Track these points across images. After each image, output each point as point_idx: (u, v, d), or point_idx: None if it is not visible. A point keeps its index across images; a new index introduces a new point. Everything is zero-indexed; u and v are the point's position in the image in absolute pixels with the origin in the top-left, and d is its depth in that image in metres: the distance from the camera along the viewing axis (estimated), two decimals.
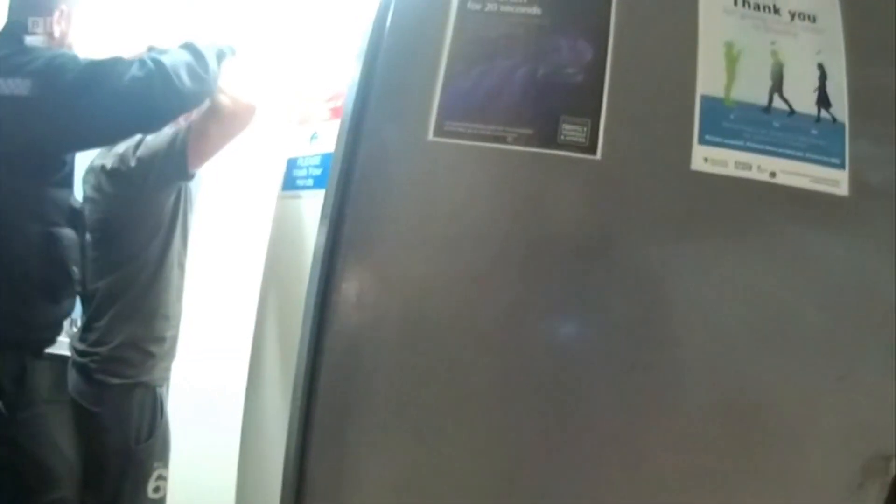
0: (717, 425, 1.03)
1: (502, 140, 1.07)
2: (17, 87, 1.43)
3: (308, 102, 1.64)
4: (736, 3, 1.13)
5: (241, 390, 1.64)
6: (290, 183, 1.74)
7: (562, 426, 1.05)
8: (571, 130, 1.06)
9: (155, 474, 1.59)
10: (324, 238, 1.06)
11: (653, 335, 1.05)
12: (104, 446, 1.57)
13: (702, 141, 1.07)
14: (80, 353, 1.61)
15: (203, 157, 1.65)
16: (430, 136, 1.07)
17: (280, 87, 1.94)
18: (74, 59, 1.51)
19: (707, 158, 1.06)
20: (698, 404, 1.05)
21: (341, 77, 1.19)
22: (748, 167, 1.07)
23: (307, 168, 1.69)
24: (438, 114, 1.07)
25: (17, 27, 1.54)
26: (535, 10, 1.12)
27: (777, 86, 1.12)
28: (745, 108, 1.10)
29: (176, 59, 1.50)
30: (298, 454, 1.07)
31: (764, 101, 1.11)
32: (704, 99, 1.09)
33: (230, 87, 1.66)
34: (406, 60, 1.13)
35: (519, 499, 1.05)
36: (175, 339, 1.69)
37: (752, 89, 1.11)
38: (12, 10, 1.58)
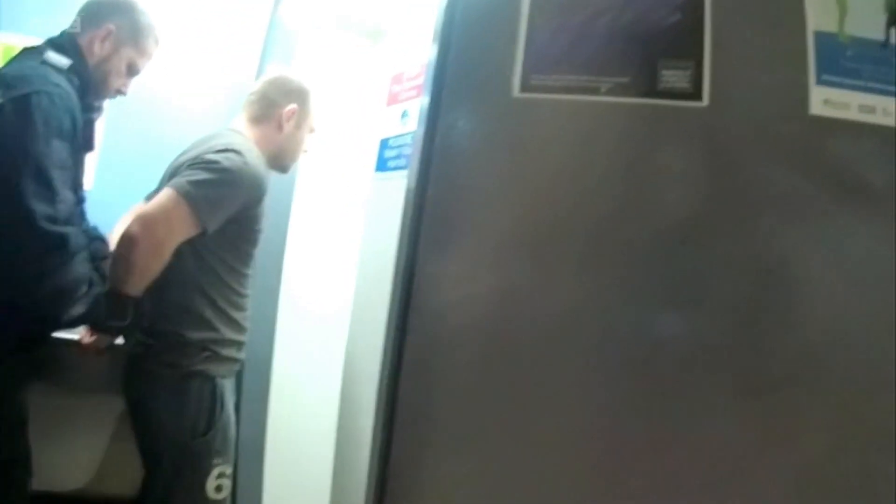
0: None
1: (595, 91, 0.96)
2: None
3: (398, 81, 1.59)
4: None
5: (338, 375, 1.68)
6: (382, 164, 1.72)
7: (667, 435, 0.93)
8: (672, 76, 0.95)
9: (216, 472, 1.50)
10: (409, 218, 0.97)
11: (776, 334, 0.91)
12: (156, 440, 1.50)
13: (820, 81, 0.95)
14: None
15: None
16: (516, 93, 0.96)
17: (371, 68, 1.89)
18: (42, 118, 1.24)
19: (827, 101, 0.94)
20: (839, 423, 0.89)
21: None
22: (872, 110, 0.95)
23: (398, 148, 1.65)
24: (524, 67, 0.96)
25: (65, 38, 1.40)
26: None
27: (894, 18, 1.00)
28: (862, 43, 0.98)
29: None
30: (384, 445, 0.99)
31: (881, 36, 0.99)
32: (818, 35, 0.96)
33: None
34: (485, 17, 1.02)
35: None
36: (239, 328, 1.58)
37: (867, 22, 0.99)
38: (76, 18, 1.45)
